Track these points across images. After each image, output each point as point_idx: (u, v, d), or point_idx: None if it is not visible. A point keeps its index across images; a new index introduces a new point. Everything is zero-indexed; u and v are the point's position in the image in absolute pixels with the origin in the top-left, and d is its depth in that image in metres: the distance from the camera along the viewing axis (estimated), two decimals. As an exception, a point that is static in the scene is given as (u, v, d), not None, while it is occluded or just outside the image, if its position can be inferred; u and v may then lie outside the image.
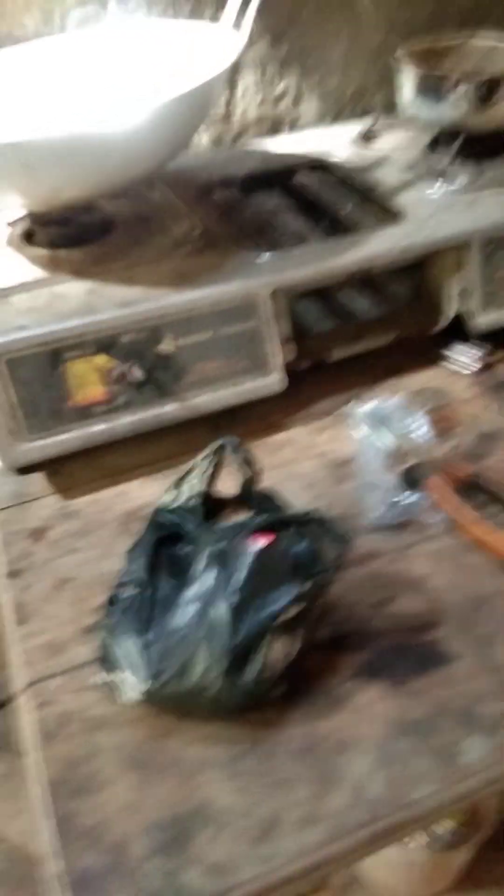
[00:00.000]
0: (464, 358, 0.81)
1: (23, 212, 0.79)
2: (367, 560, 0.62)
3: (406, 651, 0.55)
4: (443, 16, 1.05)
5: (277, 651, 0.49)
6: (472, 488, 0.66)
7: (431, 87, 0.89)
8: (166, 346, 0.69)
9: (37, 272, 0.75)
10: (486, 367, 0.81)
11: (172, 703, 0.50)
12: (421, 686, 0.52)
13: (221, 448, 0.58)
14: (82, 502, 0.68)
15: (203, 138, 1.04)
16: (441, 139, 0.94)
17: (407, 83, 0.92)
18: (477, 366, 0.81)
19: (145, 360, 0.68)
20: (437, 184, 0.86)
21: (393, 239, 0.77)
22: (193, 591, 0.50)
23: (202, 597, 0.50)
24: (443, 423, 0.75)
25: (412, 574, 0.60)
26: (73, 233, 0.78)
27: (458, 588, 0.59)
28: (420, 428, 0.70)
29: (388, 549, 0.62)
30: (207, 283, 0.71)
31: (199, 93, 0.67)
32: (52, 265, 0.75)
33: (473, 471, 0.67)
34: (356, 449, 0.71)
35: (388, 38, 1.03)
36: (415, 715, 0.51)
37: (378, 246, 0.76)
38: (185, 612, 0.50)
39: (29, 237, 0.80)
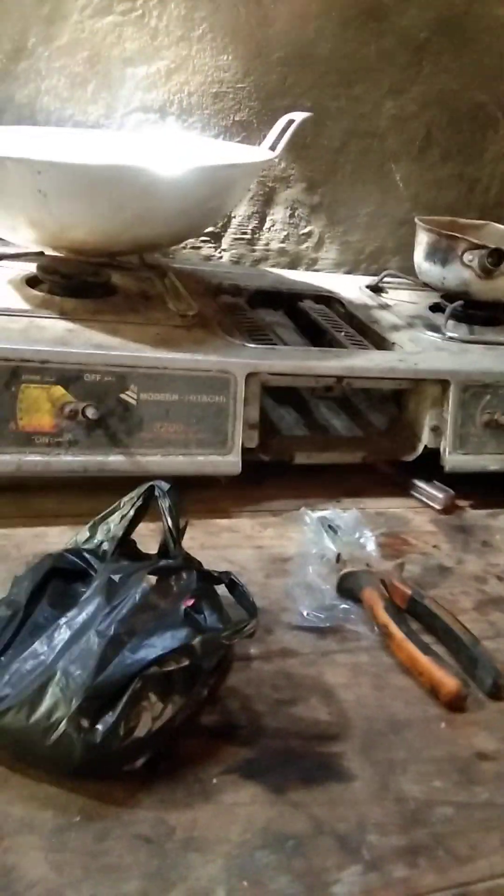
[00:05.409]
0: (429, 493, 0.79)
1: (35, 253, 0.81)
2: (278, 656, 0.55)
3: (296, 757, 0.47)
4: (466, 203, 1.15)
5: (144, 710, 0.42)
6: (408, 612, 0.61)
7: (441, 250, 0.94)
8: (129, 395, 0.67)
9: (25, 306, 0.75)
10: (450, 507, 0.78)
11: (8, 740, 0.42)
12: (302, 798, 0.44)
13: (150, 491, 0.54)
14: (-5, 532, 0.63)
15: (225, 256, 1.10)
16: (445, 302, 0.98)
17: (420, 245, 0.98)
18: (441, 504, 0.78)
19: (104, 404, 0.66)
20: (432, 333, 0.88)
21: (377, 360, 0.78)
22: (67, 618, 0.44)
23: (75, 625, 0.43)
24: (393, 547, 0.71)
25: (324, 681, 0.53)
26: (74, 286, 0.79)
27: (371, 706, 0.52)
28: (368, 543, 0.66)
29: (305, 651, 0.56)
30: (186, 350, 0.71)
31: (221, 173, 0.71)
32: (44, 305, 0.76)
33: (413, 594, 0.62)
34: (297, 550, 0.66)
35: (413, 212, 1.12)
36: (287, 828, 0.42)
37: (361, 362, 0.77)
38: (51, 638, 0.43)
39: (32, 284, 0.81)
